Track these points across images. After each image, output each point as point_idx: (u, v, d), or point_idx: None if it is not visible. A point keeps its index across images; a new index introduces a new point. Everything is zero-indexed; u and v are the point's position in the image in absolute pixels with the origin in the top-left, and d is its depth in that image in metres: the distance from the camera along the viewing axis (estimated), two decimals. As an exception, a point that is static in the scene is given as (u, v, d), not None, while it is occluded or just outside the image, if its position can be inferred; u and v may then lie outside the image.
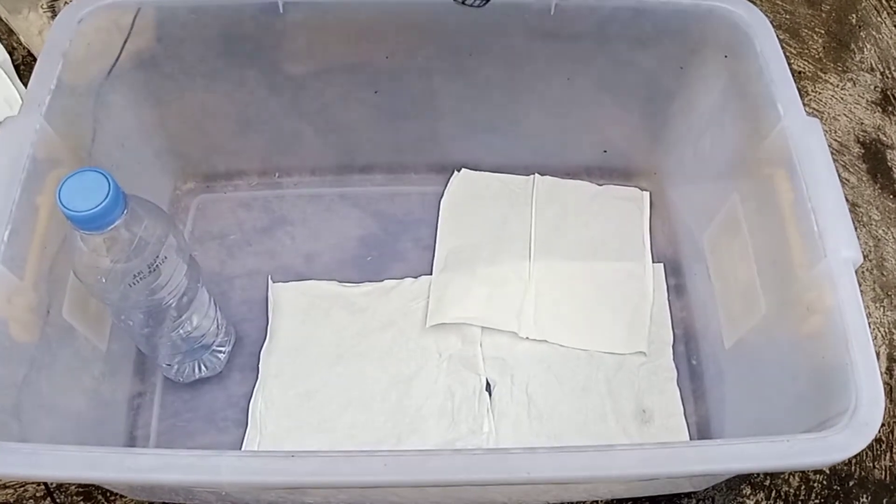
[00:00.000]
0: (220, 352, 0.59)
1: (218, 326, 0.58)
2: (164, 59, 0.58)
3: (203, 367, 0.59)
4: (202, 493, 0.50)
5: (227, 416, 0.59)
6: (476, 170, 0.71)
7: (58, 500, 0.56)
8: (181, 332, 0.54)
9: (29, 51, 0.76)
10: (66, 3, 0.59)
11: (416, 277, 0.65)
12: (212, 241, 0.67)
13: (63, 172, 0.50)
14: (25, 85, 0.60)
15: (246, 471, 0.38)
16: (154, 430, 0.58)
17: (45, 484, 0.57)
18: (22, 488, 0.57)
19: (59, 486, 0.57)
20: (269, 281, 0.64)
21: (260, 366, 0.61)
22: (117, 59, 0.52)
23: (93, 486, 0.57)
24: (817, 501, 0.59)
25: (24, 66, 0.76)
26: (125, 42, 0.55)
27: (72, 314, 0.51)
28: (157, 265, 0.46)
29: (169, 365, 0.57)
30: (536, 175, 0.71)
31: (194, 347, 0.56)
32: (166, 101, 0.62)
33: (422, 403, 0.59)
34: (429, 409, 0.59)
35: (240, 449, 0.57)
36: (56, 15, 0.53)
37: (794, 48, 0.84)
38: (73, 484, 0.57)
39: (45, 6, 0.72)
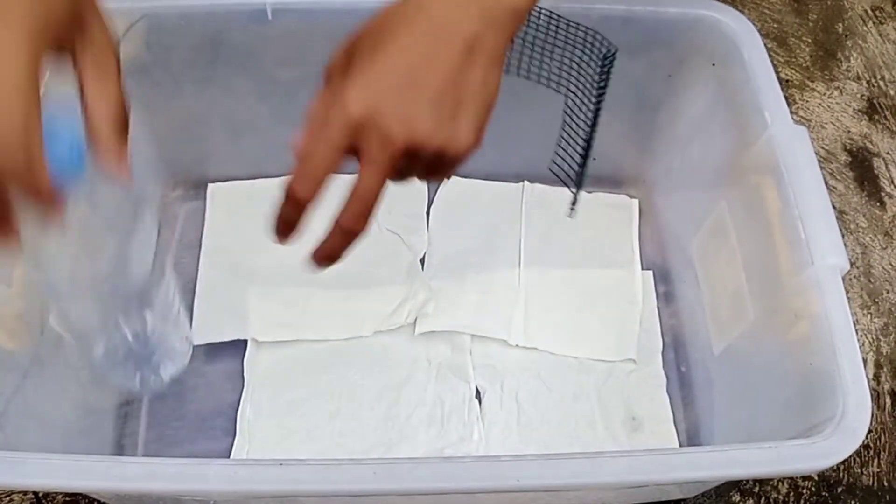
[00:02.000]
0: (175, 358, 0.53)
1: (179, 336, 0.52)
2: (154, 66, 0.58)
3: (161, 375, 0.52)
4: (191, 502, 0.50)
5: (215, 425, 0.59)
6: (466, 178, 0.71)
7: (44, 509, 0.56)
8: (133, 328, 0.48)
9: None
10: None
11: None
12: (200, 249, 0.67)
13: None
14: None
15: (234, 479, 0.38)
16: (142, 438, 0.58)
17: (35, 493, 0.56)
18: (7, 497, 0.56)
19: (46, 495, 0.56)
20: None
21: (245, 374, 0.60)
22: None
23: (80, 495, 0.56)
24: (806, 508, 0.59)
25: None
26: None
27: (59, 322, 0.50)
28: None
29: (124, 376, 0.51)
30: (526, 183, 0.71)
31: (146, 353, 0.50)
32: (155, 108, 0.62)
33: (411, 411, 0.59)
34: (418, 417, 0.59)
35: (228, 458, 0.57)
36: (44, 21, 0.52)
37: (782, 57, 0.85)
38: (60, 494, 0.56)
39: (33, 13, 0.72)
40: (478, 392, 0.60)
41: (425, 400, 0.60)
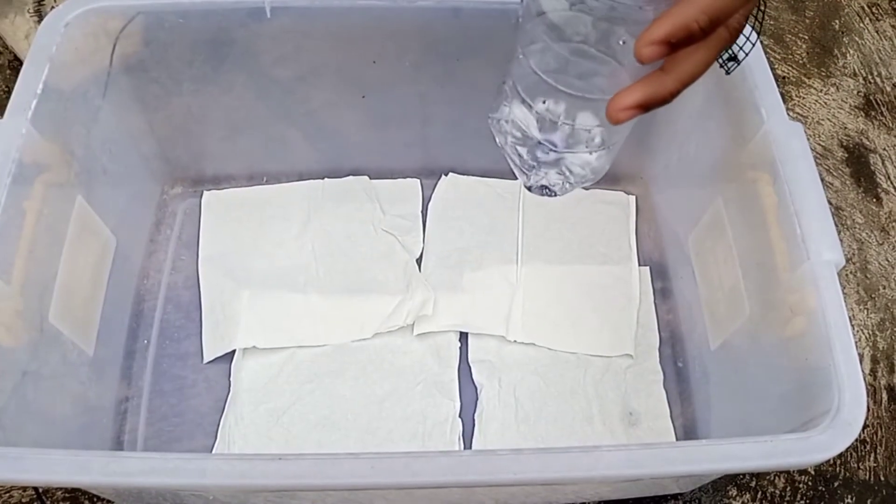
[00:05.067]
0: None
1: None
2: (152, 64, 0.58)
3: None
4: (189, 497, 0.50)
5: (214, 421, 0.59)
6: (464, 174, 0.71)
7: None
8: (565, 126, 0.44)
9: (15, 55, 0.76)
10: (52, 7, 0.59)
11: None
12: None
13: (49, 177, 0.50)
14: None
15: (233, 473, 0.38)
16: (141, 434, 0.58)
17: (35, 489, 0.56)
18: (7, 494, 0.56)
19: (46, 491, 0.56)
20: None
21: (231, 379, 0.60)
22: (111, 67, 0.51)
23: (79, 491, 0.57)
24: (803, 502, 0.60)
25: (10, 70, 0.76)
26: (113, 49, 0.55)
27: (58, 318, 0.51)
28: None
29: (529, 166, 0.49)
30: (524, 179, 0.71)
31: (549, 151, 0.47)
32: (154, 106, 0.62)
33: (393, 426, 0.59)
34: (399, 433, 0.58)
35: None
36: (42, 19, 0.53)
37: (778, 54, 0.85)
38: (60, 490, 0.57)
39: (31, 10, 0.72)
40: (462, 409, 0.60)
41: (408, 416, 0.59)
